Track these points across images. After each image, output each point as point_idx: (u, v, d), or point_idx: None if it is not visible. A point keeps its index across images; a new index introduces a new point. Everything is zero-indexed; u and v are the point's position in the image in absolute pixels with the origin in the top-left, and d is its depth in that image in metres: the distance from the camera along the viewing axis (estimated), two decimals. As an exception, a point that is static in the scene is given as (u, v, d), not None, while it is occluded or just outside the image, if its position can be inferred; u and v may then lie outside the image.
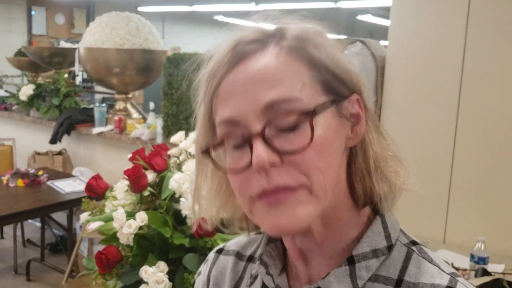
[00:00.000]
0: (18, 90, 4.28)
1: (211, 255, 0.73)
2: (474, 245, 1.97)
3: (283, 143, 0.51)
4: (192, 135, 1.51)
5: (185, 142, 1.48)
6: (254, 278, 0.63)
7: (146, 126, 3.50)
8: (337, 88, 0.55)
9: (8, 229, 4.17)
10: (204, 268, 0.73)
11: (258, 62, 0.53)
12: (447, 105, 2.19)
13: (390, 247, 0.57)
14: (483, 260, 1.95)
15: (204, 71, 0.57)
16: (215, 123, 0.56)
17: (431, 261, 0.57)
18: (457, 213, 2.24)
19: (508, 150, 2.09)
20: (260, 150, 0.50)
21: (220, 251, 0.72)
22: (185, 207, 1.33)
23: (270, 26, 0.56)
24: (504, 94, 2.07)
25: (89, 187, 1.43)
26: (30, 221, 4.35)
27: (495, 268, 1.97)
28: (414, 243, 0.59)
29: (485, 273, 1.87)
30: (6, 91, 5.26)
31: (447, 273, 0.55)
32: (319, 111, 0.52)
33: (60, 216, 3.88)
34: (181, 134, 1.51)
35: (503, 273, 1.93)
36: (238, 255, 0.69)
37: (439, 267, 0.56)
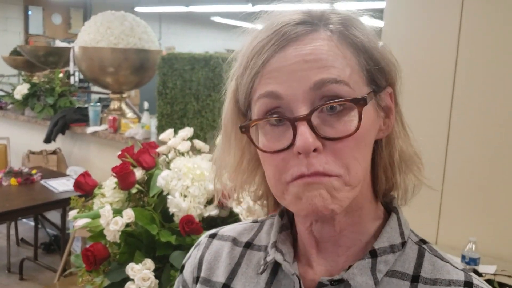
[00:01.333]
0: (13, 89, 4.27)
1: (204, 239, 0.71)
2: (465, 246, 1.97)
3: (327, 129, 0.52)
4: (182, 132, 1.51)
5: (174, 140, 1.48)
6: (266, 265, 0.62)
7: (140, 126, 3.50)
8: (377, 79, 0.55)
9: (1, 228, 4.15)
10: (195, 252, 0.71)
11: (311, 43, 0.52)
12: (440, 106, 2.19)
13: (403, 244, 0.59)
14: (474, 261, 1.95)
15: (245, 49, 0.56)
16: (252, 100, 0.55)
17: (442, 258, 0.59)
18: (449, 214, 2.24)
19: (501, 152, 2.09)
20: (306, 133, 0.50)
21: (213, 236, 0.71)
22: (173, 204, 1.33)
23: (315, 7, 0.56)
24: (497, 96, 2.07)
25: (77, 184, 1.43)
26: (24, 220, 4.34)
27: (487, 269, 1.97)
28: (423, 241, 0.61)
29: (476, 274, 1.87)
30: (1, 90, 5.26)
31: (460, 270, 0.57)
32: (368, 101, 0.52)
33: (54, 216, 3.87)
34: (170, 131, 1.50)
35: (494, 274, 1.93)
36: (235, 241, 0.68)
37: (451, 264, 0.58)
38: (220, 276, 0.66)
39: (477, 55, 2.10)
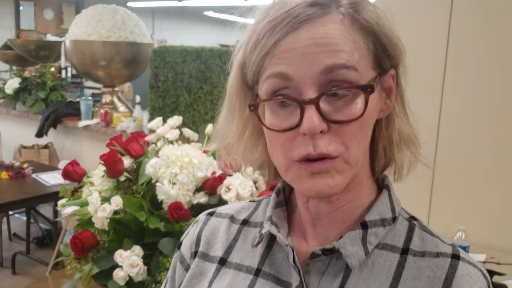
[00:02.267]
0: (4, 83, 4.25)
1: (202, 216, 0.74)
2: (455, 235, 1.98)
3: (333, 112, 0.53)
4: (170, 121, 1.51)
5: (162, 128, 1.48)
6: (261, 237, 0.64)
7: (132, 119, 3.49)
8: (383, 63, 0.56)
9: (-6, 223, 4.14)
10: (193, 229, 0.73)
11: (323, 26, 0.53)
12: (430, 100, 2.21)
13: (394, 219, 0.61)
14: (463, 249, 1.95)
15: (256, 24, 0.56)
16: (261, 78, 0.56)
17: (431, 234, 0.62)
18: (439, 204, 2.26)
19: (491, 142, 2.11)
20: (313, 117, 0.52)
21: (211, 213, 0.73)
22: (161, 191, 1.33)
23: None
24: (488, 85, 2.08)
25: (65, 172, 1.43)
26: (16, 215, 4.32)
27: (476, 257, 1.98)
28: (414, 218, 0.64)
29: (465, 261, 1.88)
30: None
31: (448, 244, 0.60)
32: (375, 87, 0.54)
33: (47, 210, 3.86)
34: (158, 120, 1.50)
35: (483, 262, 1.95)
36: (232, 218, 0.71)
37: (440, 239, 0.61)
38: (217, 251, 0.68)
39: (467, 52, 2.11)
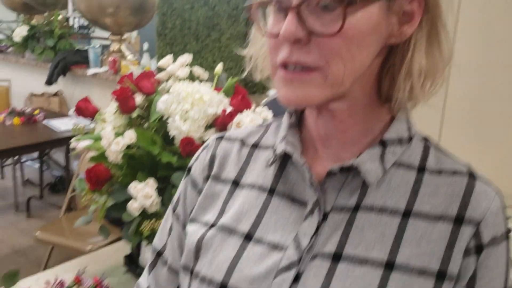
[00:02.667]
0: (12, 32, 4.23)
1: (211, 141, 0.73)
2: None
3: (315, 23, 0.52)
4: (181, 58, 1.51)
5: (172, 66, 1.48)
6: (275, 157, 0.64)
7: (140, 68, 3.49)
8: None
9: (7, 170, 4.23)
10: (203, 153, 0.73)
11: None
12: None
13: (410, 139, 0.62)
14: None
15: None
16: None
17: (446, 154, 0.62)
18: (448, 147, 2.28)
19: (499, 93, 2.11)
20: (289, 23, 0.52)
21: (221, 138, 0.73)
22: (173, 127, 1.35)
23: None
24: (496, 38, 2.06)
25: (78, 109, 1.45)
26: (29, 162, 4.41)
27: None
28: (428, 139, 0.64)
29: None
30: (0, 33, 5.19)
31: (462, 164, 0.61)
32: (357, 2, 0.51)
33: (59, 157, 3.93)
34: (169, 57, 1.51)
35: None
36: (242, 142, 0.71)
37: (454, 159, 0.62)
38: (230, 173, 0.69)
39: (473, 44, 2.08)
